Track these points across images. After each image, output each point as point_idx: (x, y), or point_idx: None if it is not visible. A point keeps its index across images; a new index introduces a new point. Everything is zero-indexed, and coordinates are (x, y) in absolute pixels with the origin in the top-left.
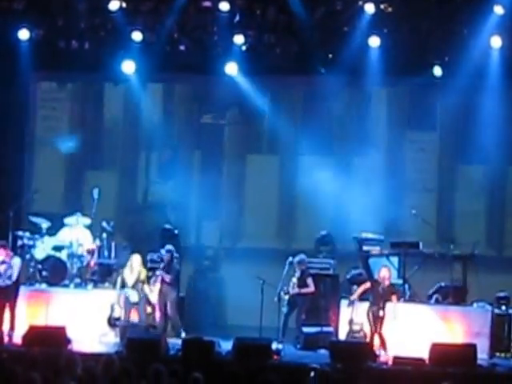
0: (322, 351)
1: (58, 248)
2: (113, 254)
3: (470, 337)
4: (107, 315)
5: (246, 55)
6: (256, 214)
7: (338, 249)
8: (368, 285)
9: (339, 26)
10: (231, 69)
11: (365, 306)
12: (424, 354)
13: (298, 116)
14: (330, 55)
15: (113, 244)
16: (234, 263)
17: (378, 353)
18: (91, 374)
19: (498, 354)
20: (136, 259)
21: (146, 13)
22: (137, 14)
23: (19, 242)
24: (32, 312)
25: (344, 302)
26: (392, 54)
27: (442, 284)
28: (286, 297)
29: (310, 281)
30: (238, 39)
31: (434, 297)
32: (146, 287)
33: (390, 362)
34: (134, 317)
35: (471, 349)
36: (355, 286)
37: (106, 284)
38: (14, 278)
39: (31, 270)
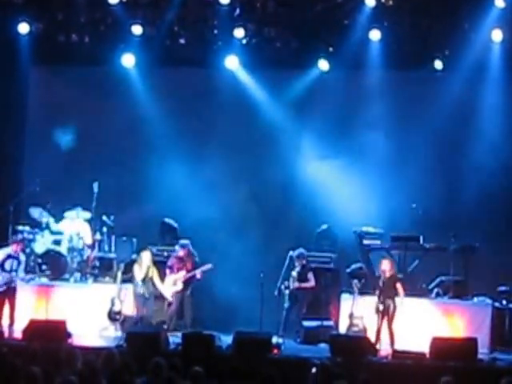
0: (323, 345)
1: (57, 242)
2: (113, 248)
3: (471, 331)
4: (107, 309)
5: (246, 49)
6: (255, 207)
7: (339, 243)
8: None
9: (339, 19)
10: (231, 62)
11: (365, 299)
12: (424, 347)
13: (298, 109)
14: (331, 49)
15: (113, 238)
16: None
17: (379, 347)
18: (91, 368)
19: (498, 347)
20: (146, 256)
21: (146, 6)
22: (137, 8)
23: (19, 236)
24: (32, 306)
25: (344, 296)
26: (393, 48)
27: (443, 278)
28: (287, 291)
29: (310, 275)
30: (239, 33)
31: (435, 291)
32: (156, 283)
33: (391, 356)
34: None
35: (472, 343)
36: (356, 280)
37: (106, 278)
38: (21, 273)
39: (31, 264)
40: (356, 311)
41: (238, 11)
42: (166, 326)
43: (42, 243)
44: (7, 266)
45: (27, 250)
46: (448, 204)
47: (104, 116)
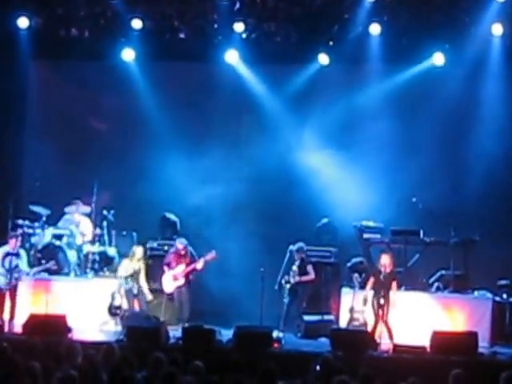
0: (323, 339)
1: (57, 236)
2: (113, 243)
3: (471, 325)
4: (108, 304)
5: (246, 43)
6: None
7: (339, 237)
8: (372, 280)
9: (339, 13)
10: (231, 57)
11: (366, 294)
12: (425, 342)
13: (298, 103)
14: (331, 43)
15: (113, 232)
16: (233, 250)
17: (379, 341)
18: (91, 363)
19: (498, 341)
20: (139, 251)
21: (146, 0)
22: (136, 2)
23: (19, 231)
24: (32, 301)
25: (345, 290)
26: (392, 42)
27: (443, 272)
28: (287, 285)
29: (310, 268)
30: (238, 27)
31: (435, 285)
32: (140, 278)
33: (391, 351)
34: (136, 306)
35: (472, 337)
36: (356, 274)
37: (107, 272)
38: (24, 267)
39: (31, 258)
40: (356, 305)
41: (237, 5)
42: (162, 319)
43: (42, 238)
44: (7, 263)
45: (27, 245)
46: (448, 198)
47: (104, 110)
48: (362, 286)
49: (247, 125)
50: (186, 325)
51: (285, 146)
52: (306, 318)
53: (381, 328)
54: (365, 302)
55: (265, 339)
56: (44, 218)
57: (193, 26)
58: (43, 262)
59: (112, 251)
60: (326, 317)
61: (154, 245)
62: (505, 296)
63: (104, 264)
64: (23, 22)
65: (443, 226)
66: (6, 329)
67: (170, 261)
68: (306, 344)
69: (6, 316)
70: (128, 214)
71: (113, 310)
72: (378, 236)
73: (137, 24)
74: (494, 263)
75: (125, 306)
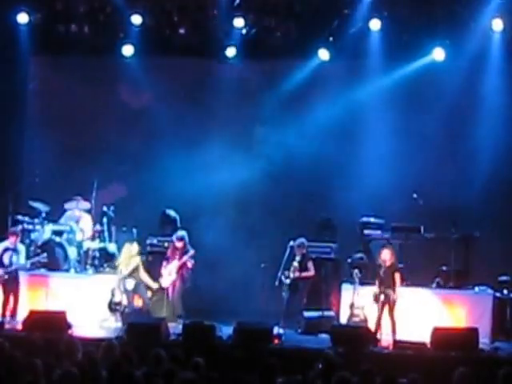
0: (323, 335)
1: (57, 232)
2: (113, 239)
3: (472, 321)
4: (107, 300)
5: (246, 38)
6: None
7: (340, 233)
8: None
9: (340, 9)
10: (231, 52)
11: (366, 289)
12: (426, 338)
13: (298, 99)
14: (331, 38)
15: (113, 228)
16: (234, 246)
17: (379, 337)
18: (92, 359)
19: (499, 337)
20: (134, 248)
21: None
22: None
23: (19, 227)
24: (32, 297)
25: (345, 286)
26: (393, 37)
27: (444, 268)
28: (288, 281)
29: (310, 264)
30: (238, 22)
31: (436, 281)
32: (140, 273)
33: (392, 346)
34: (137, 303)
35: (473, 333)
36: (356, 270)
37: (107, 269)
38: (22, 261)
39: (31, 254)
40: (357, 301)
41: (237, 1)
42: (164, 315)
43: (42, 233)
44: (5, 259)
45: (26, 241)
46: (449, 194)
47: (103, 106)
48: (363, 282)
49: (246, 120)
50: (181, 321)
51: (284, 142)
52: (307, 314)
53: (381, 324)
54: (375, 297)
55: (265, 335)
56: (43, 214)
57: (192, 22)
58: (41, 256)
59: (112, 247)
60: (327, 313)
61: (154, 241)
62: (505, 292)
63: (104, 260)
64: (23, 18)
65: (444, 221)
66: (8, 326)
67: (169, 256)
68: (307, 340)
69: (8, 313)
70: (128, 209)
71: (113, 307)
72: (379, 232)
73: (136, 20)
74: (494, 259)
75: (125, 302)
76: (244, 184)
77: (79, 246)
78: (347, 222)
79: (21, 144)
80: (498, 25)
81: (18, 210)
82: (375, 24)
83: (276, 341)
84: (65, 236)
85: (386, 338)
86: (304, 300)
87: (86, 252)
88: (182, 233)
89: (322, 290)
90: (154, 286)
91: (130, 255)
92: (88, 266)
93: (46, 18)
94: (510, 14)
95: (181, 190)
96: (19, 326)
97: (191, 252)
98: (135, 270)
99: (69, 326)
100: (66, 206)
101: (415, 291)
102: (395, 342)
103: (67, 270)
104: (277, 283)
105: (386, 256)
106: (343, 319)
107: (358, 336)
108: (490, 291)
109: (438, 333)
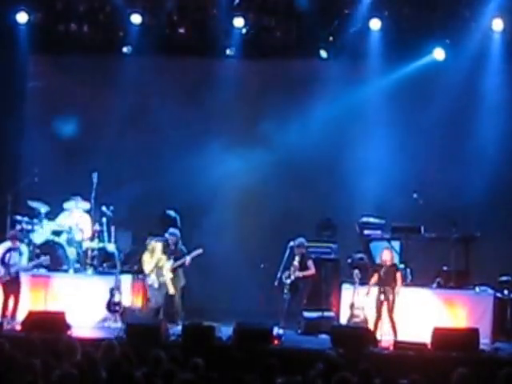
0: (323, 336)
1: (57, 233)
2: (113, 239)
3: (473, 321)
4: (107, 300)
5: (245, 38)
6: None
7: (340, 233)
8: (376, 276)
9: (340, 8)
10: (231, 51)
11: (366, 290)
12: (426, 338)
13: (299, 98)
14: (331, 38)
15: (112, 228)
16: (233, 246)
17: (379, 338)
18: (91, 360)
19: (500, 338)
20: (158, 247)
21: None
22: None
23: (18, 227)
24: (31, 297)
25: (345, 287)
26: (393, 37)
27: (444, 268)
28: (288, 281)
29: (310, 263)
30: (238, 22)
31: (436, 281)
32: (167, 272)
33: (392, 347)
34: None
35: (473, 333)
36: (356, 270)
37: (106, 269)
38: (24, 263)
39: (31, 254)
40: (357, 302)
41: (237, 0)
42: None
43: (41, 234)
44: (8, 259)
45: (25, 241)
46: (449, 194)
47: (103, 105)
48: (363, 282)
49: (246, 120)
50: (180, 322)
51: (284, 142)
52: (307, 314)
53: (382, 324)
54: (367, 295)
55: (265, 336)
56: (43, 214)
57: (192, 21)
58: (42, 256)
59: (111, 247)
60: (327, 313)
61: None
62: (506, 292)
63: (103, 260)
64: (22, 17)
65: (444, 221)
66: (8, 326)
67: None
68: (307, 340)
69: (8, 313)
70: (127, 209)
71: (112, 307)
72: (379, 232)
73: (136, 19)
74: (495, 259)
75: (124, 302)
76: (244, 184)
77: (78, 246)
78: (347, 222)
79: (20, 143)
80: (498, 25)
81: (17, 210)
82: (375, 24)
83: (276, 341)
84: (64, 236)
85: (386, 339)
86: (304, 300)
87: (86, 252)
88: (172, 230)
89: (322, 291)
90: (171, 290)
91: (154, 253)
92: (87, 266)
93: (45, 17)
94: (510, 13)
95: (181, 190)
96: (18, 327)
97: (199, 250)
98: (160, 268)
99: (68, 327)
100: (65, 205)
101: (415, 291)
102: (395, 343)
103: (66, 271)
104: (276, 283)
105: (387, 256)
106: (343, 320)
107: (358, 336)
108: (490, 291)
109: (438, 333)
